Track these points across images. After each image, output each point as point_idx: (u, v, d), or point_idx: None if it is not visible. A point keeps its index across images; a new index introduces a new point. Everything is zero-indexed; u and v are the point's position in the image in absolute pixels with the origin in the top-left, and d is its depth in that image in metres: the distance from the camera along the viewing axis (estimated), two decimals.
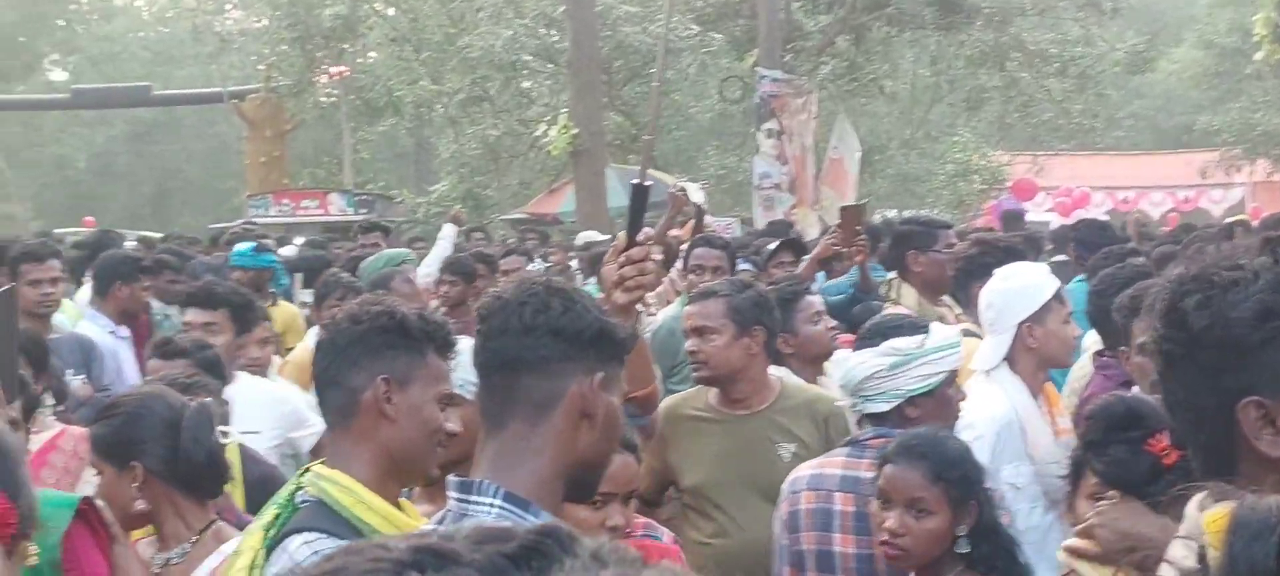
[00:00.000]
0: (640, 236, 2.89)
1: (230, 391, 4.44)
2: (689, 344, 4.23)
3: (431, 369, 2.53)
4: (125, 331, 6.93)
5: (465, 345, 2.62)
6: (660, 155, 29.12)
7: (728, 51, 25.79)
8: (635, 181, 3.02)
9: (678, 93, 28.40)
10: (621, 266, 2.78)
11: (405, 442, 2.53)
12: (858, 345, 3.62)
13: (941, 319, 5.37)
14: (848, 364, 3.58)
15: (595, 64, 20.22)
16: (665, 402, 4.41)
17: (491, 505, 2.11)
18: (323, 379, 2.62)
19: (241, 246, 8.32)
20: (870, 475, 3.28)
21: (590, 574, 0.69)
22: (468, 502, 2.13)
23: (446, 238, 9.45)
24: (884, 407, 3.48)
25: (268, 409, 4.88)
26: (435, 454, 2.59)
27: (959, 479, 3.10)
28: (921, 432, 3.25)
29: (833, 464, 3.57)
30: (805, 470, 3.62)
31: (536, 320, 2.17)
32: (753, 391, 4.22)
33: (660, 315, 6.53)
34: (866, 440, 3.50)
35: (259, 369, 5.32)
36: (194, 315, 4.97)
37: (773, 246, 7.81)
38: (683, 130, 29.97)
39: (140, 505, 3.02)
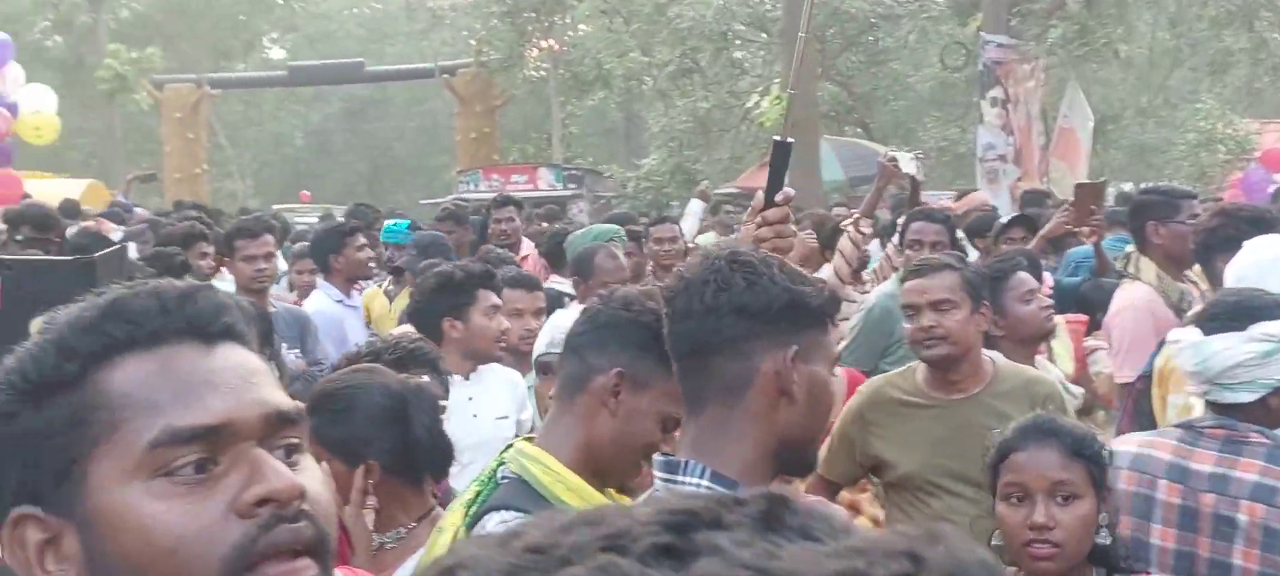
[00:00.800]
0: (779, 197, 2.78)
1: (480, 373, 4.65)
2: (924, 319, 4.04)
3: (666, 387, 2.42)
4: (355, 300, 7.30)
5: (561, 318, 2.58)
6: (877, 126, 28.75)
7: (949, 16, 25.23)
8: (776, 138, 2.90)
9: (896, 60, 27.94)
10: (758, 228, 2.69)
11: (613, 441, 2.49)
12: (1208, 327, 3.26)
13: (1185, 294, 5.11)
14: (1206, 349, 3.21)
15: (808, 32, 19.97)
16: (868, 384, 4.30)
17: (697, 486, 2.06)
18: (569, 344, 2.61)
19: (391, 222, 8.55)
20: (1201, 467, 3.07)
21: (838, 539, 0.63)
22: (673, 481, 2.09)
23: (693, 213, 9.59)
24: (1248, 398, 3.17)
25: (510, 390, 4.91)
26: (638, 468, 2.52)
27: (1094, 455, 2.79)
28: (1038, 414, 3.02)
29: (1161, 447, 3.26)
30: (1126, 446, 3.34)
31: (718, 299, 2.10)
32: (970, 372, 4.06)
33: (874, 293, 6.40)
34: (1205, 428, 3.22)
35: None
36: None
37: (1004, 220, 7.59)
38: (902, 100, 29.47)
39: (372, 503, 2.91)
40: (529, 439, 2.63)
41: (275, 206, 27.34)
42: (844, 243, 7.00)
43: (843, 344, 6.02)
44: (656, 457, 2.19)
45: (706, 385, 2.14)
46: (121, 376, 1.23)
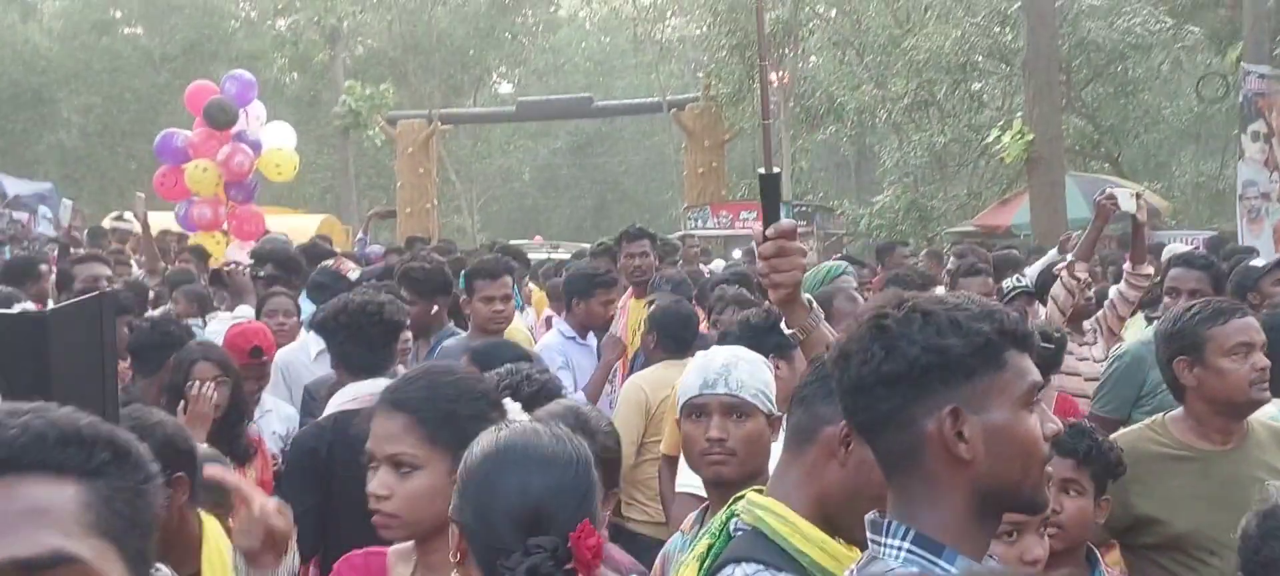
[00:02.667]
0: (771, 231, 2.82)
1: None
2: (1258, 358, 3.95)
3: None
4: (589, 341, 7.63)
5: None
6: (1126, 160, 27.91)
7: (1206, 45, 24.37)
8: (761, 171, 2.90)
9: (1147, 92, 27.12)
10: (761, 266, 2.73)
11: (844, 492, 2.53)
12: None
13: None
14: None
15: (1054, 63, 19.56)
16: (1122, 438, 4.13)
17: (899, 548, 2.06)
18: (799, 395, 2.66)
19: None
20: None
21: None
22: (877, 542, 2.11)
23: (1050, 255, 9.71)
24: None
25: None
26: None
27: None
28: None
29: None
30: None
31: (863, 375, 2.06)
32: (1241, 422, 4.00)
33: (1128, 340, 6.27)
34: None
35: None
36: None
37: (1259, 263, 7.31)
38: (1153, 133, 28.55)
39: None
40: (758, 490, 2.67)
41: (513, 242, 28.05)
42: (1057, 289, 6.82)
43: (1096, 389, 5.90)
44: (868, 516, 2.15)
45: (886, 454, 2.11)
46: None
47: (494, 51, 44.63)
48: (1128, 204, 6.71)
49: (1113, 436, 4.03)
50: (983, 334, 2.03)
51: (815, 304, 3.06)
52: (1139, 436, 4.15)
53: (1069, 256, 7.31)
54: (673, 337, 6.43)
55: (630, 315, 7.97)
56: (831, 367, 2.17)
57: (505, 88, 48.02)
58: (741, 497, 2.64)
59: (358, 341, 4.75)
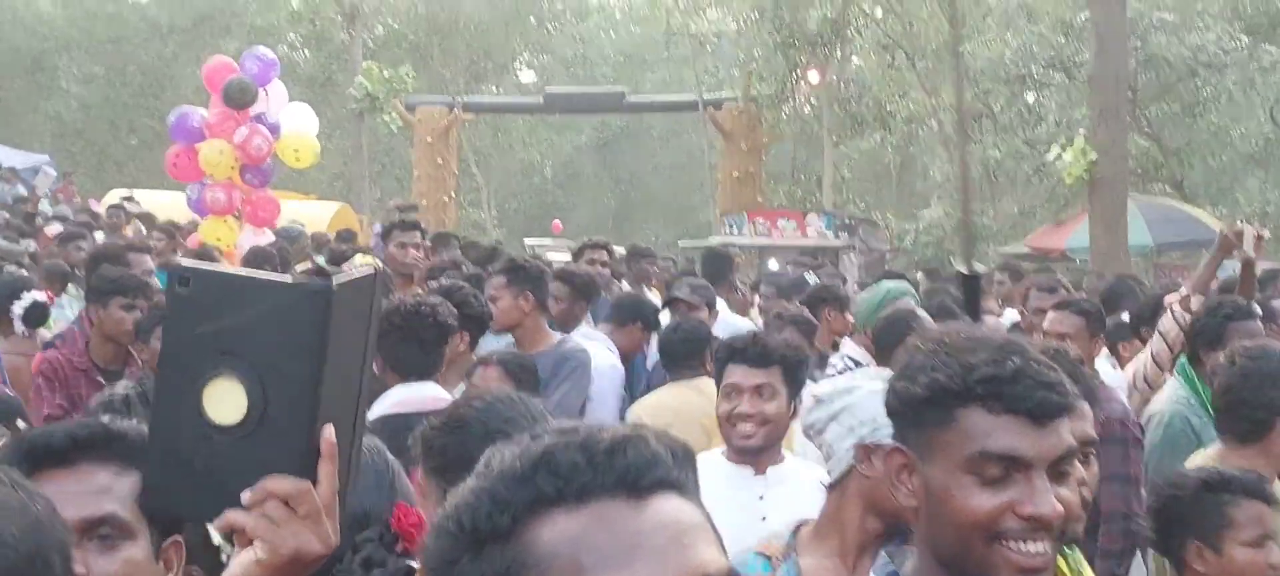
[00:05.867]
0: None
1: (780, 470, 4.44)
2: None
3: None
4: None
5: None
6: (1190, 184, 27.78)
7: None
8: (962, 269, 2.82)
9: (1215, 113, 27.01)
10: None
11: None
12: None
13: None
14: None
15: (1123, 80, 19.40)
16: None
17: None
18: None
19: None
20: None
21: None
22: None
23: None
24: None
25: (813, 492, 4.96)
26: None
27: None
28: None
29: None
30: None
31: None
32: None
33: (1163, 398, 6.14)
34: None
35: None
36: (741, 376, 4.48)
37: None
38: (1220, 156, 28.41)
39: None
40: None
41: (526, 240, 28.04)
42: (1167, 322, 6.36)
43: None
44: None
45: None
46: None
47: (520, 37, 44.58)
48: (1248, 243, 6.59)
49: None
50: (933, 382, 2.04)
51: None
52: None
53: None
54: (681, 359, 6.18)
55: None
56: None
57: (527, 76, 47.99)
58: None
59: (410, 343, 4.87)
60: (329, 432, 1.65)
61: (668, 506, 1.30)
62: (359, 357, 1.77)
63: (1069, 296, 7.48)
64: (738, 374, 4.28)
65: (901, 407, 2.09)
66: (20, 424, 4.82)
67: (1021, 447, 1.96)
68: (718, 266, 10.72)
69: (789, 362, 4.31)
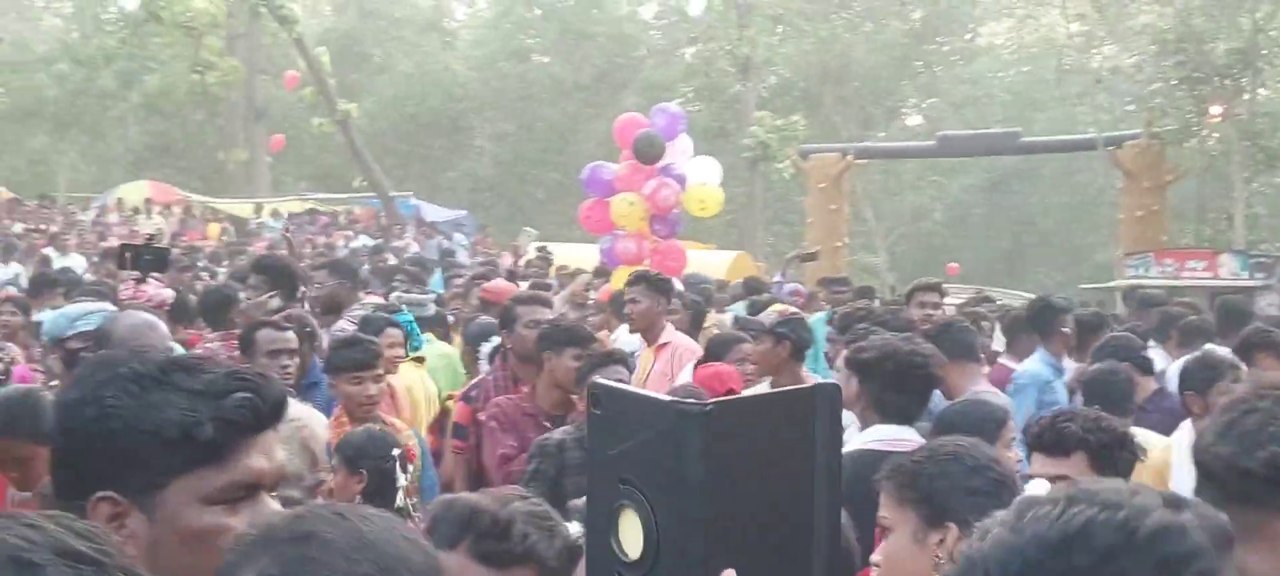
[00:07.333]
0: None
1: None
2: None
3: None
4: (1065, 365, 8.38)
5: None
6: None
7: None
8: None
9: None
10: None
11: None
12: None
13: None
14: None
15: None
16: None
17: None
18: None
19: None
20: None
21: None
22: None
23: None
24: None
25: None
26: None
27: None
28: None
29: None
30: None
31: None
32: None
33: None
34: None
35: None
36: None
37: None
38: None
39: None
40: None
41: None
42: None
43: None
44: None
45: None
46: None
47: (907, 81, 44.30)
48: None
49: None
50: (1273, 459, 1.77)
51: None
52: None
53: None
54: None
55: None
56: None
57: (915, 120, 47.58)
58: None
59: (898, 388, 4.93)
60: None
61: None
62: (796, 480, 1.53)
63: None
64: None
65: (1225, 476, 1.78)
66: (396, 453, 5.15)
67: None
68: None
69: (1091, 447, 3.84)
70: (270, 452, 1.91)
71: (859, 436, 4.89)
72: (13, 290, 11.99)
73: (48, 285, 11.51)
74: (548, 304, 8.07)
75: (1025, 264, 45.26)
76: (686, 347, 8.08)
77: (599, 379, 1.52)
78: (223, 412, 1.84)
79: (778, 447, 1.50)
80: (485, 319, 9.16)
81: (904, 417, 4.90)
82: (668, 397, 1.48)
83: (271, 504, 1.91)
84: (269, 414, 1.90)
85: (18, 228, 23.02)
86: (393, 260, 20.79)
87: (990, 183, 46.22)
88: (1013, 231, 47.15)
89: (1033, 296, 19.28)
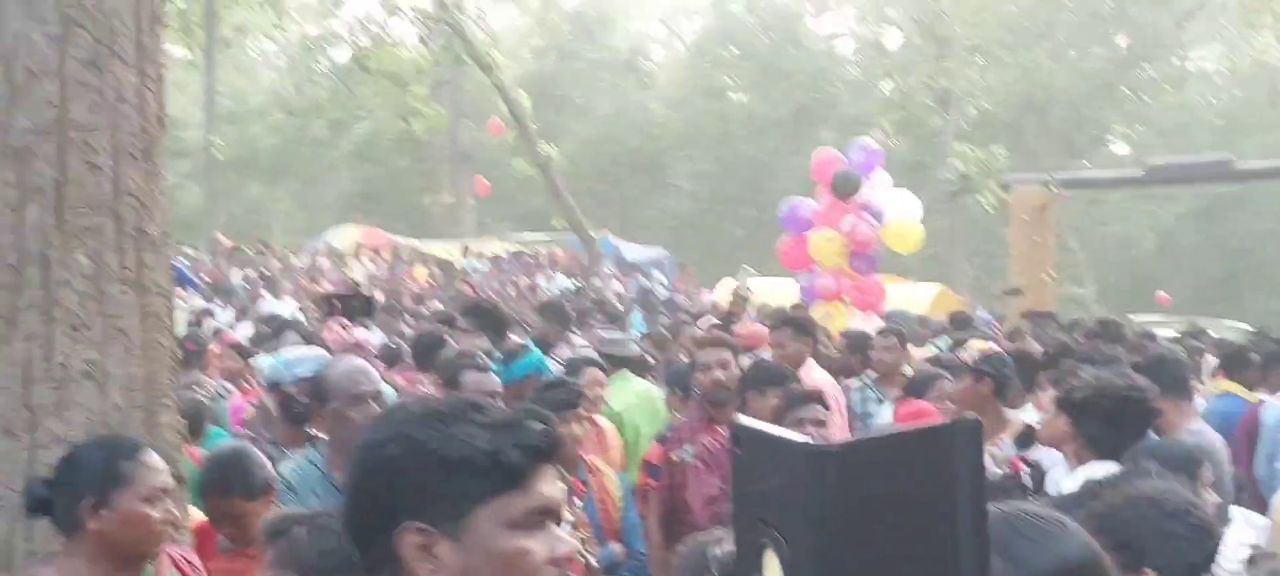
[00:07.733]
0: None
1: None
2: None
3: None
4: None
5: None
6: None
7: None
8: None
9: None
10: None
11: None
12: None
13: None
14: None
15: None
16: None
17: None
18: None
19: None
20: None
21: None
22: None
23: None
24: None
25: None
26: None
27: None
28: None
29: None
30: None
31: None
32: None
33: None
34: None
35: None
36: None
37: None
38: None
39: None
40: None
41: (1131, 316, 26.97)
42: None
43: None
44: None
45: None
46: None
47: (1112, 110, 43.23)
48: None
49: None
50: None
51: None
52: None
53: None
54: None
55: None
56: None
57: (1121, 148, 46.36)
58: None
59: (1111, 424, 4.89)
60: None
61: None
62: (938, 522, 1.46)
63: None
64: None
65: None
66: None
67: None
68: None
69: None
70: (555, 483, 2.02)
71: (1069, 477, 4.84)
72: (233, 335, 12.47)
73: (265, 338, 11.97)
74: (733, 346, 8.06)
75: (1238, 291, 43.64)
76: (826, 386, 8.05)
77: (741, 419, 1.52)
78: (524, 439, 1.95)
79: (917, 488, 1.44)
80: (685, 360, 9.19)
81: (1114, 455, 4.82)
82: (800, 437, 1.45)
83: (561, 533, 2.01)
84: (556, 444, 2.02)
85: (237, 276, 23.89)
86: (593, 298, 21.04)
87: (1201, 210, 44.74)
88: (1226, 260, 45.49)
89: (1251, 328, 18.69)
